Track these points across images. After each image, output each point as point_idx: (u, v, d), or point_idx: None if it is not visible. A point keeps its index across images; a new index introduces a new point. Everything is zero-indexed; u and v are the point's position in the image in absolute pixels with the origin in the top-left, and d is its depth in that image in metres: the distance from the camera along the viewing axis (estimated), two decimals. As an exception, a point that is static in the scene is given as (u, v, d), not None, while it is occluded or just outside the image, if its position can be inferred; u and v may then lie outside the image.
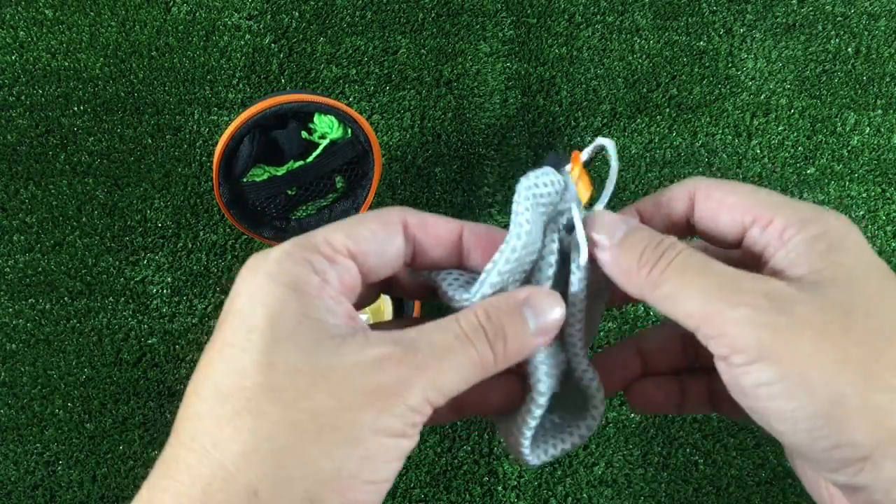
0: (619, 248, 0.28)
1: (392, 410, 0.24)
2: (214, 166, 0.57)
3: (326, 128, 0.59)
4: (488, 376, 0.27)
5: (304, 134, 0.60)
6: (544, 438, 0.31)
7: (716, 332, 0.26)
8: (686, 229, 0.31)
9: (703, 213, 0.30)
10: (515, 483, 0.61)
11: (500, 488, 0.61)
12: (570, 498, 0.60)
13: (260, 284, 0.25)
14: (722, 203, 0.29)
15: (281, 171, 0.60)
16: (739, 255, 0.30)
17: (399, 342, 0.25)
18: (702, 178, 0.31)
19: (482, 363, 0.26)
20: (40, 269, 0.70)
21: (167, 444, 0.25)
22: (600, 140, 0.31)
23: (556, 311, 0.28)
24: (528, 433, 0.30)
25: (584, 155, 0.31)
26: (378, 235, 0.28)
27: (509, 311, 0.27)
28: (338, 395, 0.24)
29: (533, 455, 0.30)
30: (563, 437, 0.31)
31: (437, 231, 0.29)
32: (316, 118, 0.59)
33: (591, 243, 0.29)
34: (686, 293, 0.26)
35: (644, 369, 0.34)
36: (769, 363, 0.25)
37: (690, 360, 0.33)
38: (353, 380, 0.24)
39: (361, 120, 0.59)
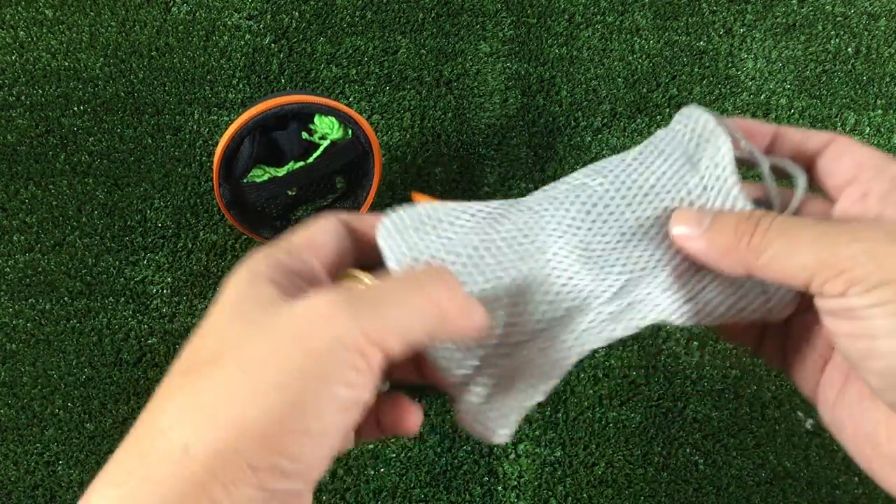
0: (711, 231, 0.29)
1: (323, 350, 0.23)
2: (215, 167, 0.57)
3: (327, 128, 0.59)
4: (440, 335, 0.26)
5: (304, 135, 0.60)
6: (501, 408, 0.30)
7: (833, 272, 0.26)
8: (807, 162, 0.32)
9: (834, 161, 0.30)
10: (515, 483, 0.61)
11: (500, 488, 0.61)
12: (570, 498, 0.60)
13: (234, 277, 0.27)
14: (846, 151, 0.30)
15: (281, 172, 0.60)
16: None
17: (336, 290, 0.25)
18: (844, 136, 0.32)
19: (429, 309, 0.25)
20: (40, 269, 0.70)
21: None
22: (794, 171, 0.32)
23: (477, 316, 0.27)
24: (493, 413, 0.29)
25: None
26: (328, 229, 0.30)
27: (445, 273, 0.27)
28: (272, 344, 0.24)
29: (503, 431, 0.29)
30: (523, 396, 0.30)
31: (367, 221, 0.31)
32: (316, 119, 0.59)
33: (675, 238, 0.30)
34: (796, 247, 0.27)
35: None
36: (891, 284, 0.25)
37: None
38: (289, 326, 0.24)
39: (362, 121, 0.59)
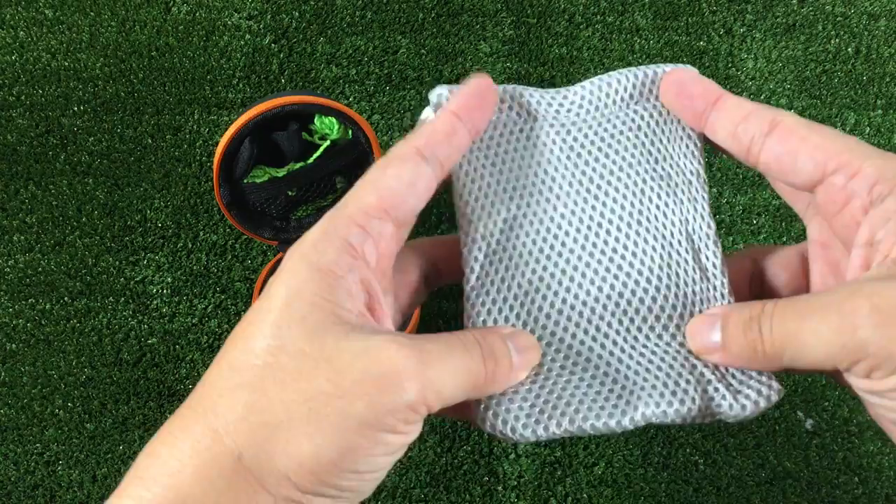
0: (727, 347, 0.29)
1: (386, 404, 0.24)
2: (215, 168, 0.58)
3: (327, 129, 0.59)
4: (475, 396, 0.28)
5: (304, 135, 0.60)
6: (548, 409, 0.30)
7: (852, 360, 0.26)
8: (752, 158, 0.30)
9: (782, 147, 0.29)
10: (515, 483, 0.61)
11: (500, 488, 0.61)
12: (570, 498, 0.60)
13: (291, 267, 0.26)
14: (806, 141, 0.29)
15: (281, 173, 0.60)
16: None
17: (405, 340, 0.25)
18: (787, 113, 0.30)
19: (476, 376, 0.27)
20: (40, 269, 0.70)
21: (178, 409, 0.26)
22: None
23: (533, 352, 0.29)
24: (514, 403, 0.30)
25: None
26: (403, 176, 0.28)
27: (498, 339, 0.28)
28: (336, 380, 0.24)
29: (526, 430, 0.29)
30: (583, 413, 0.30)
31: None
32: (316, 119, 0.59)
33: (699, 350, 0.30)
34: (808, 345, 0.26)
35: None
36: None
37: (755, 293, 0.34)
38: (354, 368, 0.25)
39: (362, 121, 0.59)
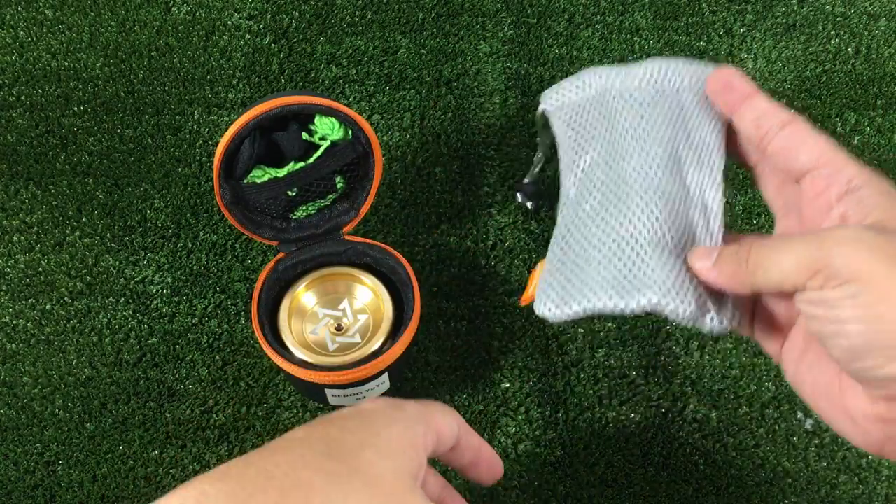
0: (719, 263, 0.39)
1: None
2: (215, 169, 0.58)
3: (327, 129, 0.59)
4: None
5: (304, 135, 0.60)
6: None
7: (812, 272, 0.34)
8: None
9: (790, 140, 0.39)
10: (516, 483, 0.61)
11: (500, 488, 0.61)
12: (570, 498, 0.60)
13: (397, 436, 0.34)
14: (809, 139, 0.39)
15: (281, 173, 0.60)
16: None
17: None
18: (801, 117, 0.40)
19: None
20: (40, 269, 0.70)
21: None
22: None
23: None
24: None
25: None
26: (450, 423, 0.38)
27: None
28: None
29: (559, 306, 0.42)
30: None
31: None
32: (317, 120, 0.59)
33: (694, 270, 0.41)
34: (781, 262, 0.35)
35: None
36: (857, 281, 0.33)
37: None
38: None
39: (362, 121, 0.59)
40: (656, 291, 0.41)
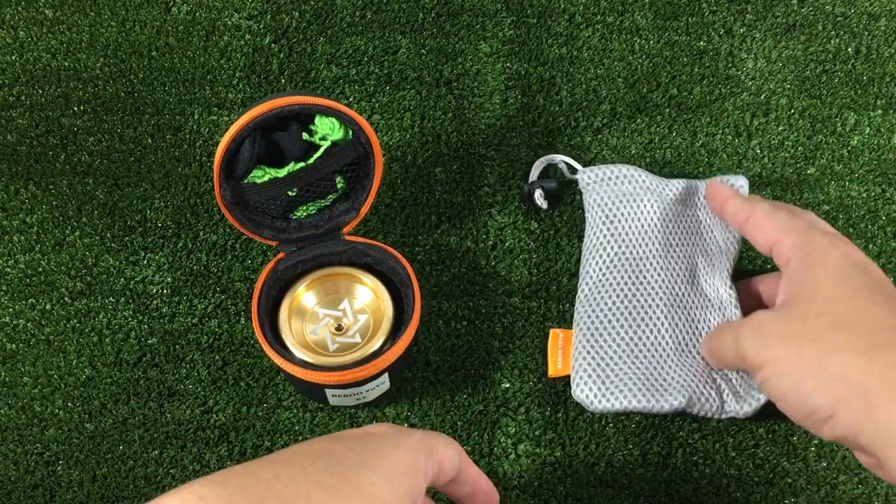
0: (703, 350, 0.56)
1: None
2: (215, 169, 0.58)
3: (328, 129, 0.59)
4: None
5: (304, 135, 0.60)
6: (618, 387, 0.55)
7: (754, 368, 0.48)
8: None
9: (751, 230, 0.52)
10: (515, 483, 0.61)
11: (500, 488, 0.61)
12: (570, 498, 0.60)
13: (399, 460, 0.36)
14: (762, 226, 0.51)
15: (282, 173, 0.60)
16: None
17: None
18: (760, 202, 0.52)
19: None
20: (40, 269, 0.70)
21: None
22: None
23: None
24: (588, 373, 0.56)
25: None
26: (452, 455, 0.40)
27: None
28: None
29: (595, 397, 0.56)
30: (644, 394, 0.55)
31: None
32: (317, 120, 0.59)
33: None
34: (721, 341, 0.52)
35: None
36: (768, 366, 0.45)
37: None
38: None
39: (363, 122, 0.59)
40: (684, 396, 0.52)
